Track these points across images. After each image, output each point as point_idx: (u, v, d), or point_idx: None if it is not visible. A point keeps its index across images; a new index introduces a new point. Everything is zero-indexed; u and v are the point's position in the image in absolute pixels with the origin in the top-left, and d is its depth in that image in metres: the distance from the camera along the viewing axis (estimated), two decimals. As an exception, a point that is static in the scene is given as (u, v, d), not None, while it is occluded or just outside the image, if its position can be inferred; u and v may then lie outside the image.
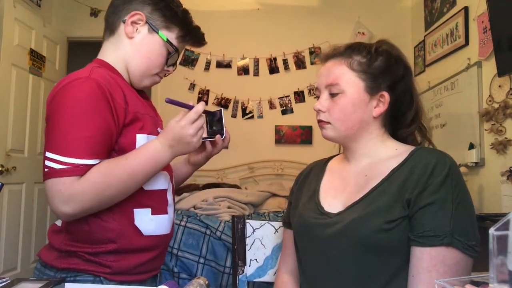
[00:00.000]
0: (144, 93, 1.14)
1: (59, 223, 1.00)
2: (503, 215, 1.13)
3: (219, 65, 4.04)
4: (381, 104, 0.96)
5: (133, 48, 1.05)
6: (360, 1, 3.95)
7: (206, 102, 3.98)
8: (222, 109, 1.12)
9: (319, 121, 0.99)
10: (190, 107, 0.99)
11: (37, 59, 3.28)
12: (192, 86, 3.99)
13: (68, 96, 0.91)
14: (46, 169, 0.87)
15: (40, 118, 3.36)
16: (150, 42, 1.05)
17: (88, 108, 0.90)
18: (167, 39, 1.06)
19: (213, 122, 1.12)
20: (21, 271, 3.05)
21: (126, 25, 1.04)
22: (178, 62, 1.15)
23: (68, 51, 3.87)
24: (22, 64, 3.10)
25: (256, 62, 4.04)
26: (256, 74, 4.03)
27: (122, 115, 0.95)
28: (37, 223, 3.30)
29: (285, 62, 4.02)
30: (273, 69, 4.03)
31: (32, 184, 3.26)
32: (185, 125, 0.97)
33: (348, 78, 0.95)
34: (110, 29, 1.07)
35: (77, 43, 4.06)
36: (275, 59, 4.03)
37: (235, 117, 3.99)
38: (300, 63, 4.01)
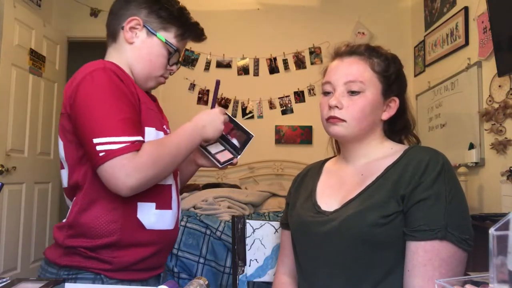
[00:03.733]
0: (151, 94, 1.16)
1: (65, 219, 1.00)
2: (503, 215, 1.14)
3: (219, 65, 4.04)
4: (389, 108, 1.00)
5: (134, 53, 1.07)
6: (360, 1, 3.95)
7: (206, 102, 3.99)
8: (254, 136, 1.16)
9: (333, 118, 0.96)
10: (213, 105, 1.13)
11: (37, 59, 3.28)
12: (192, 86, 3.99)
13: (94, 85, 0.94)
14: (102, 153, 0.89)
15: (40, 118, 3.36)
16: (150, 45, 1.08)
17: (117, 93, 0.95)
18: (165, 40, 1.08)
19: (236, 137, 1.16)
20: (21, 271, 3.05)
21: (124, 31, 1.07)
22: (180, 60, 1.17)
23: (68, 51, 3.87)
24: (22, 64, 3.10)
25: (256, 62, 4.04)
26: (256, 74, 4.03)
27: (136, 100, 1.00)
28: (37, 223, 3.30)
29: (285, 62, 4.02)
30: (273, 69, 4.03)
31: (32, 184, 3.26)
32: (219, 111, 1.10)
33: (370, 78, 0.97)
34: (112, 36, 1.10)
35: (77, 43, 4.05)
36: (275, 59, 4.03)
37: (235, 117, 3.98)
38: (300, 63, 4.00)
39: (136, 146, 0.91)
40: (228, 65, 4.03)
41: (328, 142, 1.16)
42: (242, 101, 4.01)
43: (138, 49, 1.07)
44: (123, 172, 0.89)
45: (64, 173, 1.03)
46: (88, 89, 0.93)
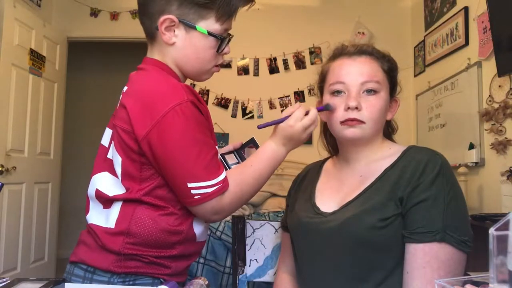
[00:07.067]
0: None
1: (107, 224, 0.94)
2: (503, 215, 1.13)
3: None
4: (391, 108, 1.00)
5: (179, 53, 0.98)
6: (360, 1, 3.95)
7: (206, 102, 3.98)
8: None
9: (352, 120, 0.93)
10: (283, 119, 1.00)
11: (37, 59, 3.28)
12: (192, 86, 3.99)
13: (182, 123, 0.89)
14: (197, 196, 0.91)
15: (40, 118, 3.36)
16: (193, 42, 0.97)
17: (202, 129, 0.93)
18: (207, 31, 0.96)
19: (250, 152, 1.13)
20: (21, 271, 3.05)
21: (161, 33, 0.95)
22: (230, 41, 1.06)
23: (68, 51, 3.86)
24: (22, 64, 3.10)
25: (256, 62, 4.04)
26: (256, 74, 4.03)
27: (211, 124, 1.01)
28: (37, 223, 3.30)
29: (285, 62, 4.02)
30: (273, 69, 4.03)
31: (32, 184, 3.26)
32: (294, 123, 0.98)
33: (382, 78, 0.97)
34: (149, 35, 1.00)
35: (77, 43, 4.05)
36: (275, 59, 4.03)
37: (235, 117, 3.99)
38: (300, 63, 4.00)
39: (224, 186, 0.92)
40: (228, 65, 4.03)
41: (318, 142, 1.13)
42: (242, 101, 4.01)
43: (182, 48, 0.97)
44: (211, 212, 0.93)
45: (111, 183, 0.97)
46: (176, 128, 0.89)
